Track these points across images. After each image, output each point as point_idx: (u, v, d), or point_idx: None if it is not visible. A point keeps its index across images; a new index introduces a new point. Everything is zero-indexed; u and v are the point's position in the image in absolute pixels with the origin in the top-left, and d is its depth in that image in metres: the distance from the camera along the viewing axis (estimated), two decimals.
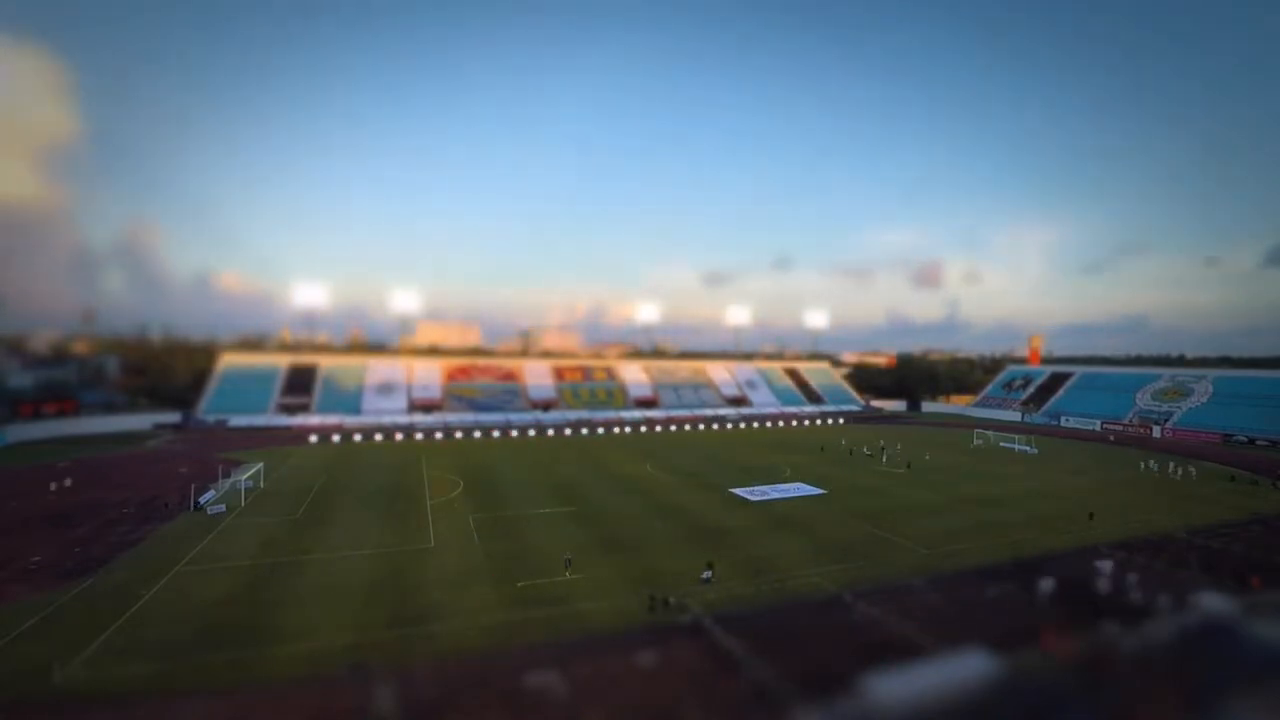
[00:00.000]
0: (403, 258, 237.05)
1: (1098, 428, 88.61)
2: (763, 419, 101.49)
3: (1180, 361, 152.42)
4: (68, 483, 45.20)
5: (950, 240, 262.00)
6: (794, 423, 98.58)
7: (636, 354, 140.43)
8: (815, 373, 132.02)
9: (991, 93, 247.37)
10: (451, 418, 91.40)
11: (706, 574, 27.39)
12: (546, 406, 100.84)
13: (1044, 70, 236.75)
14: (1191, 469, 42.49)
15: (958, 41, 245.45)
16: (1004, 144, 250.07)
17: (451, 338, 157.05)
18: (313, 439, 73.78)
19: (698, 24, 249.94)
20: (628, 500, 43.28)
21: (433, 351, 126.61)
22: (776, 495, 44.76)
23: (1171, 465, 41.70)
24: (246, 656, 20.20)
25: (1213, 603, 13.35)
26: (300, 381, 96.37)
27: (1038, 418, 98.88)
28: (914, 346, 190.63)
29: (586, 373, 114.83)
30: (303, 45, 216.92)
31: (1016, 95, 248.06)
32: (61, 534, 33.41)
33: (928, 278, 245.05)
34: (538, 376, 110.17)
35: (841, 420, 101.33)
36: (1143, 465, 39.79)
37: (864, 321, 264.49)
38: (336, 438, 75.46)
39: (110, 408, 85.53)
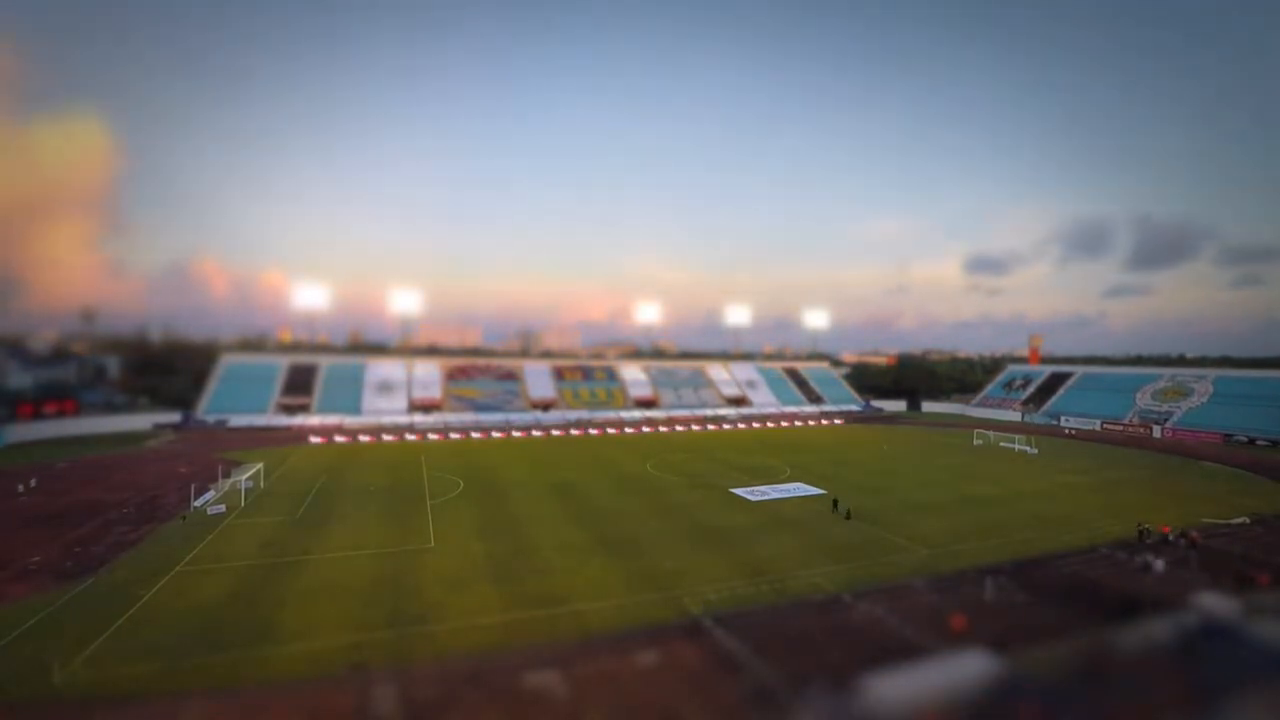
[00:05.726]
0: (403, 258, 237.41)
1: (1098, 428, 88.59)
2: (763, 419, 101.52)
3: (1180, 361, 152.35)
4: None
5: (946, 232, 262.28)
6: (795, 423, 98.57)
7: (636, 354, 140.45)
8: (815, 372, 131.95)
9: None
10: (451, 418, 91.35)
11: None
12: (546, 406, 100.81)
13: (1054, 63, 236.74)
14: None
15: (961, 32, 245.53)
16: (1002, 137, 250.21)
17: (451, 338, 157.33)
18: (313, 439, 73.80)
19: (699, 21, 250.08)
20: (628, 500, 43.27)
21: (433, 351, 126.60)
22: (776, 495, 44.76)
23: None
24: (246, 656, 20.19)
25: (1213, 603, 13.37)
26: (300, 381, 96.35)
27: (1038, 418, 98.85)
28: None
29: (586, 373, 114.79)
30: (305, 46, 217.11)
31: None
32: (61, 534, 33.41)
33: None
34: (538, 376, 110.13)
35: (840, 420, 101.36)
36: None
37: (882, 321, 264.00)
38: (337, 438, 75.49)
39: (110, 408, 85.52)
